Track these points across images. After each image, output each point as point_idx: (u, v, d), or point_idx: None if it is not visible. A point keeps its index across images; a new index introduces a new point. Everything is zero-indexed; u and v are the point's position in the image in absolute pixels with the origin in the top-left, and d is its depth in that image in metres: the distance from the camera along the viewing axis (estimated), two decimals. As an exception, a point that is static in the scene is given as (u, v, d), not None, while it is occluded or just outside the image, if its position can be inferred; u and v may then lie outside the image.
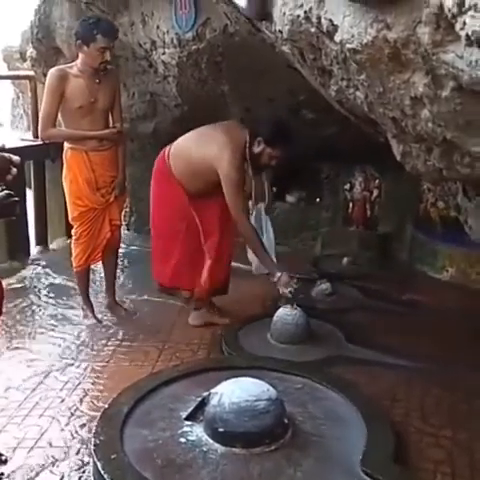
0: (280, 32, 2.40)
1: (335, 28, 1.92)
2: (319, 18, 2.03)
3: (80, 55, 3.54)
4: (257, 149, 3.37)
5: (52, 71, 3.57)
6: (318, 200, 5.74)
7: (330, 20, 1.96)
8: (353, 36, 1.82)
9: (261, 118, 3.57)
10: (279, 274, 3.41)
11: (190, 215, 3.62)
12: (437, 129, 1.88)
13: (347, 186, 5.65)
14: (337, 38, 1.92)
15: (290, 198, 5.74)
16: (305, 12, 2.11)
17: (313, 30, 2.11)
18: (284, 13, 2.26)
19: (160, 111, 5.23)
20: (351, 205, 5.66)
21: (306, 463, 2.33)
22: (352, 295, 4.42)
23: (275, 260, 3.60)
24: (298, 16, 2.16)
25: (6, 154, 2.06)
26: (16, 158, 2.09)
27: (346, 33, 1.85)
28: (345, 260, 5.14)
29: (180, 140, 3.65)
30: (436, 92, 1.70)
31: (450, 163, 2.03)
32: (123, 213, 4.56)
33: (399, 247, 5.40)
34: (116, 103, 3.74)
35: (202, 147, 3.46)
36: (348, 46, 1.87)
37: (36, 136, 5.36)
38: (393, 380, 3.11)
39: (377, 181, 5.61)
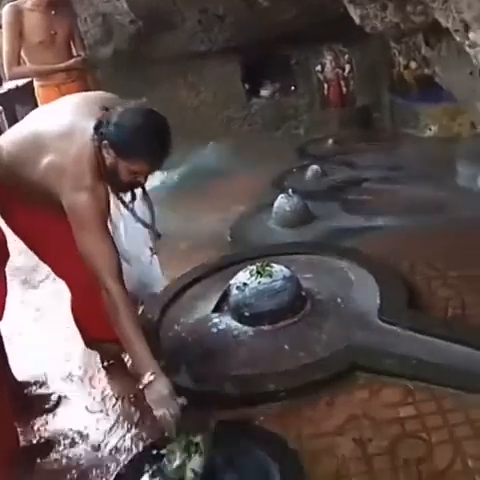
0: None
1: None
2: None
3: None
4: (108, 160, 1.98)
5: (6, 8, 3.55)
6: (293, 88, 5.72)
7: None
8: None
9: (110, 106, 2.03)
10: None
11: None
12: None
13: (318, 67, 5.63)
14: None
15: (264, 92, 5.73)
16: None
17: None
18: None
19: (116, 32, 5.14)
20: (326, 86, 5.66)
21: (328, 325, 2.55)
22: (343, 172, 4.55)
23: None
24: None
25: None
26: None
27: None
28: (330, 141, 5.22)
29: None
30: None
31: (405, 15, 2.09)
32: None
33: (380, 117, 5.46)
34: (75, 31, 3.74)
35: (30, 166, 2.05)
36: None
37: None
38: (396, 239, 3.27)
39: (347, 56, 5.58)
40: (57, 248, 2.24)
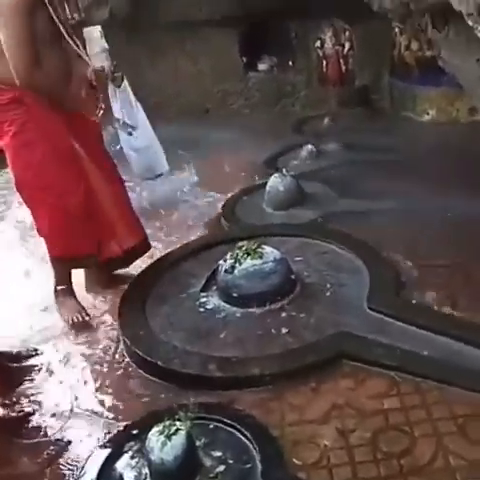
0: None
1: None
2: None
3: None
4: None
5: None
6: (291, 63, 5.63)
7: None
8: None
9: None
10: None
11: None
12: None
13: (318, 43, 5.53)
14: None
15: (262, 66, 5.63)
16: None
17: None
18: None
19: (113, -8, 4.98)
20: (325, 63, 5.57)
21: (317, 309, 2.53)
22: (338, 152, 4.49)
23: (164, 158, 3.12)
24: None
25: None
26: None
27: None
28: (326, 120, 5.15)
29: None
30: None
31: (416, -5, 2.01)
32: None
33: (378, 98, 5.41)
34: None
35: None
36: None
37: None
38: (386, 225, 3.24)
39: (347, 33, 5.48)
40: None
